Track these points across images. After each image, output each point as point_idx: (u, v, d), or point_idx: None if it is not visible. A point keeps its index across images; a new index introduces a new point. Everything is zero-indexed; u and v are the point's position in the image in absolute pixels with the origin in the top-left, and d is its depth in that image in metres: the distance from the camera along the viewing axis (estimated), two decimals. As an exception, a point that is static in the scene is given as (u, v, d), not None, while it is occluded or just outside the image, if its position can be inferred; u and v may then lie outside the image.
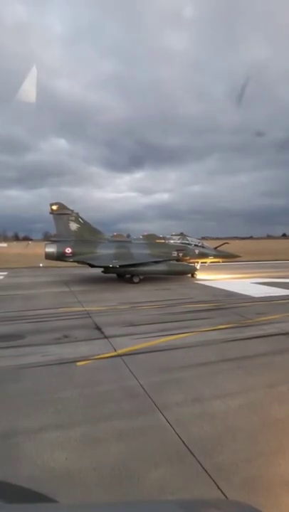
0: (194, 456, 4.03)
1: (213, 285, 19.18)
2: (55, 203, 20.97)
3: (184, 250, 22.32)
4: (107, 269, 20.27)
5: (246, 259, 33.55)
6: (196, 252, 22.93)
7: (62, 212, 21.01)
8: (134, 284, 19.90)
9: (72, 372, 6.69)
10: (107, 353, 7.70)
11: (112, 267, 19.70)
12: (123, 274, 21.22)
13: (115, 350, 7.88)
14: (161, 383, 6.09)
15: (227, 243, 26.60)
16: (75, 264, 21.90)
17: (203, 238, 24.91)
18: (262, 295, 15.67)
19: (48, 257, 20.56)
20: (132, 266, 19.98)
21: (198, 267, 23.15)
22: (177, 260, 21.85)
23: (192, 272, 22.59)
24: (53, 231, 21.89)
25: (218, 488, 3.49)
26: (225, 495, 3.41)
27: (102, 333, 9.41)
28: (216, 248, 24.28)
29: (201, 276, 22.97)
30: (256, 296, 15.48)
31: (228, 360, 7.33)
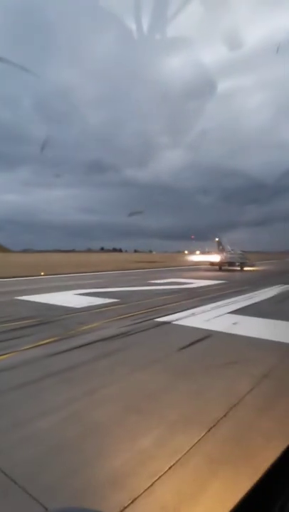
0: (18, 484, 3.78)
1: (35, 299, 18.57)
2: (217, 240, 45.78)
3: (245, 257, 46.43)
4: (231, 265, 43.52)
5: (69, 271, 34.32)
6: (246, 259, 46.71)
7: (218, 242, 45.77)
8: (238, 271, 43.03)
9: None
10: None
11: (239, 264, 44.29)
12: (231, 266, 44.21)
13: None
14: (-24, 415, 5.41)
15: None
16: None
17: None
18: (84, 305, 16.34)
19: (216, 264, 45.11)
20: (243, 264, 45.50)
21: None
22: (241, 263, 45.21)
23: (252, 265, 45.85)
24: None
25: (46, 509, 3.41)
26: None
27: None
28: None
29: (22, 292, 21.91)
30: (78, 306, 16.01)
31: (51, 375, 7.25)
